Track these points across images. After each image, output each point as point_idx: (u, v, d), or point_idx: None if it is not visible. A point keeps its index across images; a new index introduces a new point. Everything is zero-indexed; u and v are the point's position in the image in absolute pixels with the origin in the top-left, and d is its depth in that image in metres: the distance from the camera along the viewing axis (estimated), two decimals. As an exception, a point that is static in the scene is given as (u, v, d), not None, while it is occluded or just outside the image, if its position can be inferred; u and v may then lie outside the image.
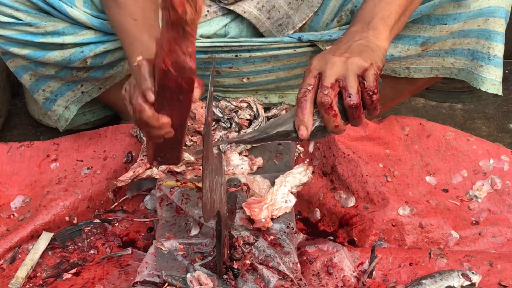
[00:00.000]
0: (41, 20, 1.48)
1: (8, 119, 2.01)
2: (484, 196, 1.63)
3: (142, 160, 1.56)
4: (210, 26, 1.61)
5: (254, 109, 1.64)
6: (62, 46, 1.54)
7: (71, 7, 1.48)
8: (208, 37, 1.62)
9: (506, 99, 2.16)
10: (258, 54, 1.62)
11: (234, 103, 1.65)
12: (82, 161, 1.71)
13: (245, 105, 1.65)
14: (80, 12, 1.48)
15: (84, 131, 1.78)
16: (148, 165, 1.54)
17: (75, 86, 1.66)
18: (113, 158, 1.69)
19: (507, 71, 2.26)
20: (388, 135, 1.74)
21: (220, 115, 1.62)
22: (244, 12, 1.58)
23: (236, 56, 1.61)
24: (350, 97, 1.11)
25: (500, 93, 1.52)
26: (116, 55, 1.57)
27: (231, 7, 1.59)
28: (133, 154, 1.69)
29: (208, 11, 1.60)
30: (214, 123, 1.62)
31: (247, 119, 1.62)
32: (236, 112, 1.63)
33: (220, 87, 1.71)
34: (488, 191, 1.64)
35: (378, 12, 1.26)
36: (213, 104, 1.66)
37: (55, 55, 1.54)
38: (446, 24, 1.47)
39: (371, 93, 1.13)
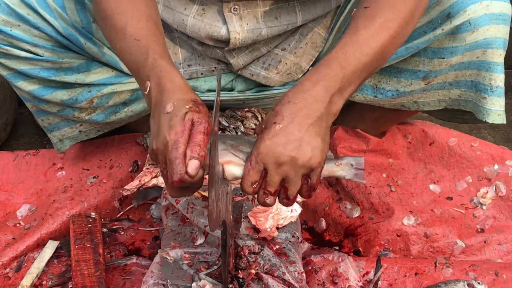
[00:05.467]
0: (58, 56, 1.43)
1: (15, 127, 2.02)
2: (489, 203, 1.63)
3: (148, 169, 1.56)
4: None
5: (259, 119, 1.64)
6: (71, 85, 1.49)
7: (90, 40, 1.43)
8: (215, 91, 1.59)
9: (511, 108, 2.15)
10: (266, 101, 1.62)
11: (239, 112, 1.66)
12: (88, 170, 1.71)
13: (250, 115, 1.65)
14: (95, 47, 1.44)
15: (90, 140, 1.79)
16: (154, 174, 1.54)
17: (74, 124, 1.61)
18: (119, 167, 1.70)
19: (512, 81, 2.26)
20: (391, 145, 1.73)
21: (226, 124, 1.63)
22: (252, 75, 1.56)
23: (243, 102, 1.62)
24: (287, 199, 1.10)
25: (504, 121, 1.51)
26: (122, 97, 1.54)
27: (238, 72, 1.57)
28: (139, 163, 1.69)
29: (215, 67, 1.58)
30: (220, 132, 1.63)
31: (252, 128, 1.63)
32: (242, 121, 1.64)
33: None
34: (493, 197, 1.64)
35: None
36: (219, 113, 1.66)
37: (62, 94, 1.49)
38: (443, 58, 1.46)
39: (311, 189, 1.10)
